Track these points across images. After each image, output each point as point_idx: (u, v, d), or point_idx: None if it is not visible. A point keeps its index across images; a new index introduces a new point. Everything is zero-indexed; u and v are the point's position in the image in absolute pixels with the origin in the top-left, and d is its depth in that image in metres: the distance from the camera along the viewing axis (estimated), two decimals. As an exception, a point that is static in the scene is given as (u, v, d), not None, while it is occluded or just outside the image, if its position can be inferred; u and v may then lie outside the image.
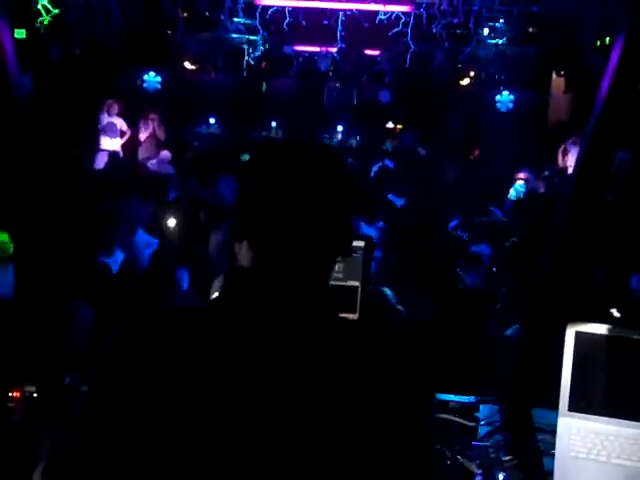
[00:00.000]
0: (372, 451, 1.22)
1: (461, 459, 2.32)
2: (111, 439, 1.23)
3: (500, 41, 11.65)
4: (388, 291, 3.50)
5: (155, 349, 1.26)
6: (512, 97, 12.37)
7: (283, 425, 1.20)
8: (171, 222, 6.43)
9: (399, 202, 7.95)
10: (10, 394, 2.51)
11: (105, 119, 10.78)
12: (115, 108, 10.84)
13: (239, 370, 1.23)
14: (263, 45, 12.23)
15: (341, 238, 1.36)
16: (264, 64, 13.02)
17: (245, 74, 12.66)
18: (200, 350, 1.24)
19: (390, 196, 8.02)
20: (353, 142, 12.49)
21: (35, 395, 2.53)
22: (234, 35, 12.08)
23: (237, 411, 1.20)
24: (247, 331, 1.26)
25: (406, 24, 11.17)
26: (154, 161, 10.28)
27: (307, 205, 1.29)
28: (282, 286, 1.30)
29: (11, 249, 4.41)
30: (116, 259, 5.53)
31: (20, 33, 8.83)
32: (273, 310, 1.28)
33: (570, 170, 9.39)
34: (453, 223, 7.05)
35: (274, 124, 12.77)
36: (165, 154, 10.33)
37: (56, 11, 9.31)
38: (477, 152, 11.94)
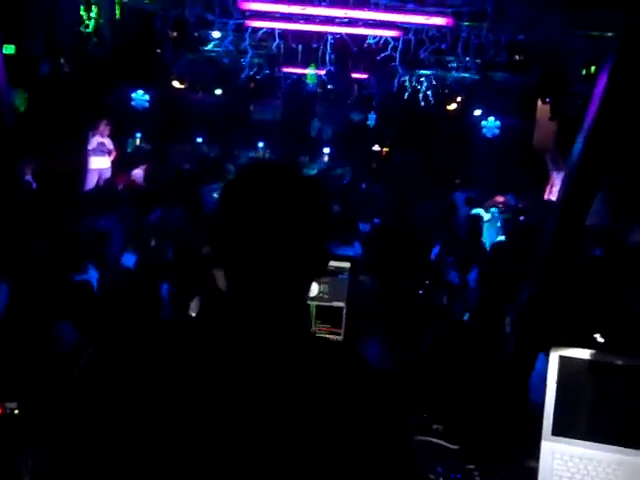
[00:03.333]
0: (349, 469, 1.21)
1: (444, 482, 2.31)
2: (84, 456, 1.22)
3: (487, 68, 11.76)
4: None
5: (130, 366, 1.25)
6: (498, 123, 12.49)
7: (257, 448, 1.19)
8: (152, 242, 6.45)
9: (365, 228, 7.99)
10: (-10, 411, 2.48)
11: (96, 140, 10.79)
12: (107, 130, 10.88)
13: (213, 389, 1.22)
14: (251, 66, 12.28)
15: (315, 260, 1.35)
16: (252, 85, 13.09)
17: (233, 94, 12.71)
18: (177, 367, 1.24)
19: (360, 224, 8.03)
20: (339, 168, 12.54)
21: (16, 412, 2.50)
22: (223, 57, 12.14)
23: (213, 427, 1.20)
24: (223, 348, 1.25)
25: (394, 49, 11.27)
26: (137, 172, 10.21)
27: (280, 229, 1.29)
28: (257, 308, 1.30)
29: None
30: (90, 277, 5.50)
31: (9, 49, 8.82)
32: (248, 332, 1.27)
33: (554, 196, 9.47)
34: (435, 250, 7.06)
35: (261, 144, 12.81)
36: (137, 173, 10.25)
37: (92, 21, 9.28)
38: (459, 181, 11.97)
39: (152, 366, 1.24)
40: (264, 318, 1.29)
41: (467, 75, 12.01)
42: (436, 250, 7.01)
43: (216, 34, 11.42)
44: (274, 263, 1.29)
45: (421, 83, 12.50)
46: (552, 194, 10.03)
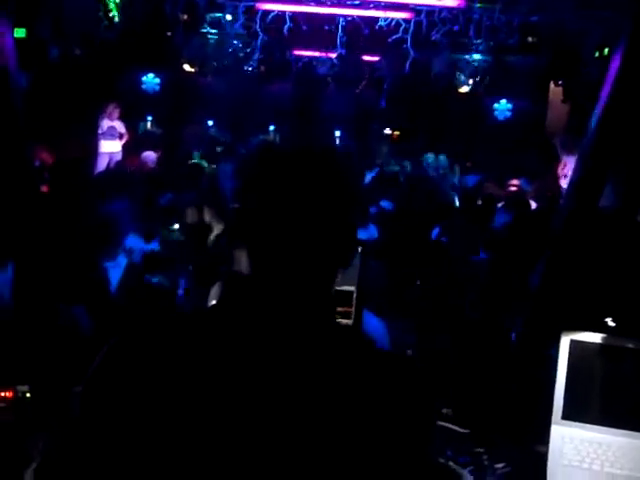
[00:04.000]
0: (367, 464, 1.20)
1: (453, 466, 2.31)
2: (103, 447, 1.21)
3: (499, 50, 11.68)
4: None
5: (151, 358, 1.23)
6: (510, 105, 12.41)
7: (280, 437, 1.18)
8: (175, 226, 6.45)
9: (389, 206, 7.98)
10: (2, 394, 2.50)
11: (106, 123, 10.79)
12: (116, 113, 10.86)
13: (237, 380, 1.20)
14: (262, 49, 12.24)
15: (342, 248, 1.31)
16: (263, 68, 13.04)
17: (244, 77, 12.68)
18: (197, 360, 1.22)
19: (383, 202, 8.03)
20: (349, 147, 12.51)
21: (28, 395, 2.52)
22: (234, 39, 12.10)
23: (233, 422, 1.18)
24: (245, 341, 1.23)
25: (406, 31, 11.20)
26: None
27: (308, 213, 1.26)
28: (281, 295, 1.27)
29: None
30: (119, 263, 5.51)
31: (20, 32, 8.82)
32: (271, 320, 1.25)
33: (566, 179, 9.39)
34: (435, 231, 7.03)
35: (272, 128, 12.78)
36: (148, 155, 10.21)
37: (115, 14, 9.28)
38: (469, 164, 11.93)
39: (173, 360, 1.22)
40: (286, 305, 1.26)
41: (480, 57, 11.93)
42: (436, 231, 6.96)
43: (228, 17, 11.38)
44: (299, 248, 1.26)
45: (433, 65, 12.43)
46: (565, 179, 9.93)
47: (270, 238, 1.27)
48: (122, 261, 5.53)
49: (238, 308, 1.27)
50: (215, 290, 3.78)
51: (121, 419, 1.20)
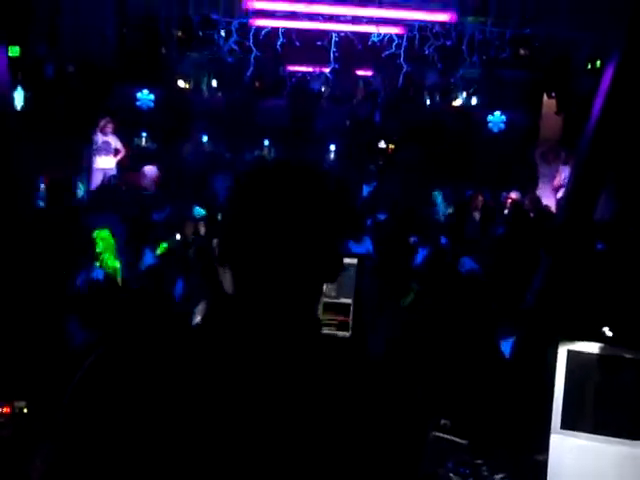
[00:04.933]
0: (358, 473, 1.19)
1: (454, 477, 2.31)
2: (87, 460, 1.20)
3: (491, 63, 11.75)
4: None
5: (135, 371, 1.23)
6: (504, 117, 12.47)
7: (265, 452, 1.17)
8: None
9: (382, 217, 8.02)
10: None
11: (100, 138, 10.78)
12: (109, 127, 10.85)
13: (220, 390, 1.20)
14: (256, 65, 12.29)
15: (327, 264, 1.30)
16: (257, 84, 13.09)
17: (238, 93, 12.73)
18: (182, 372, 1.21)
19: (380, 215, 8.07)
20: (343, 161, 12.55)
21: (25, 411, 2.51)
22: (228, 56, 12.15)
23: (218, 438, 1.18)
24: (229, 354, 1.23)
25: (399, 46, 11.27)
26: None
27: (290, 230, 1.25)
28: (264, 313, 1.26)
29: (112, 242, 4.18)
30: (97, 274, 5.51)
31: (14, 51, 8.85)
32: (255, 337, 1.24)
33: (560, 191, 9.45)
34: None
35: (267, 143, 12.81)
36: (149, 170, 10.19)
37: None
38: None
39: (157, 372, 1.22)
40: (270, 323, 1.26)
41: (472, 70, 11.99)
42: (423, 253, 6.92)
43: (222, 33, 11.44)
44: (283, 265, 1.25)
45: (426, 79, 12.50)
46: (555, 192, 10.01)
47: (254, 253, 1.26)
48: (99, 272, 5.54)
49: (222, 325, 1.26)
50: (199, 309, 3.79)
51: (105, 428, 1.19)
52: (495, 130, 12.45)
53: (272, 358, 1.23)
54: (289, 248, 1.25)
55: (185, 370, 1.22)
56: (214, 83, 13.12)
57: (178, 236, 6.67)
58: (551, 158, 10.92)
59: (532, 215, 8.58)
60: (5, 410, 2.48)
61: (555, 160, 10.68)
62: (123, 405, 1.20)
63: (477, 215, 8.94)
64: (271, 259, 1.25)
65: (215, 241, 1.34)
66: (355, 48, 11.49)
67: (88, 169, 10.72)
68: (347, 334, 2.51)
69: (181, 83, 12.89)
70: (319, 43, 11.74)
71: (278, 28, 11.30)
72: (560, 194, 9.42)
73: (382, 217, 8.02)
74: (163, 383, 1.21)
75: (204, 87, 13.14)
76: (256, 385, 1.20)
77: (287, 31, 11.35)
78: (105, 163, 10.81)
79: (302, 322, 1.28)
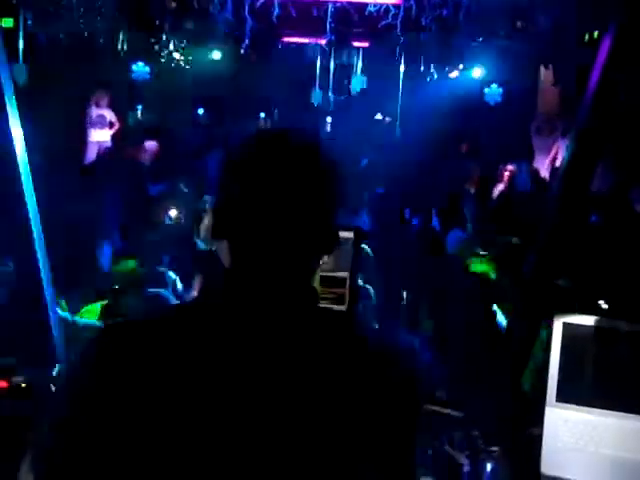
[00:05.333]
0: (356, 451, 1.20)
1: (449, 449, 2.33)
2: (87, 435, 1.19)
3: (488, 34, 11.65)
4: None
5: (134, 350, 1.23)
6: (500, 90, 12.39)
7: (269, 427, 1.18)
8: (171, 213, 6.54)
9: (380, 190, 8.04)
10: (-3, 385, 2.50)
11: (94, 112, 10.69)
12: (104, 100, 10.76)
13: (219, 372, 1.20)
14: (251, 36, 12.17)
15: (323, 237, 1.31)
16: (252, 55, 12.98)
17: (233, 65, 12.62)
18: (178, 349, 1.21)
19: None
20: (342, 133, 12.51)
21: (23, 386, 2.52)
22: (223, 27, 12.03)
23: (219, 415, 1.18)
24: (224, 329, 1.23)
25: (395, 16, 11.17)
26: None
27: (286, 203, 1.25)
28: (261, 285, 1.26)
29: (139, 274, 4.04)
30: (104, 253, 5.51)
31: (7, 22, 8.76)
32: (252, 309, 1.24)
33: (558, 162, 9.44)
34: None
35: (262, 115, 12.75)
36: (150, 145, 10.09)
37: None
38: (465, 147, 11.95)
39: (154, 351, 1.22)
40: (266, 296, 1.26)
41: (469, 41, 11.89)
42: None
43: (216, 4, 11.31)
44: (279, 238, 1.26)
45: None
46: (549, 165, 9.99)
47: (251, 226, 1.26)
48: (107, 250, 5.54)
49: (219, 296, 1.27)
50: (196, 282, 3.79)
51: (104, 409, 1.19)
52: (492, 103, 12.38)
53: (270, 329, 1.23)
54: (285, 220, 1.25)
55: (182, 345, 1.22)
56: (209, 54, 12.99)
57: (174, 212, 6.65)
58: (547, 131, 10.88)
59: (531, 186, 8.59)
60: (2, 385, 2.49)
61: (551, 134, 10.65)
62: (121, 384, 1.20)
63: (472, 189, 8.98)
64: (267, 231, 1.25)
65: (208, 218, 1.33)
66: (351, 19, 11.38)
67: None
68: (343, 308, 2.51)
69: (176, 55, 12.77)
70: (315, 14, 11.62)
71: (273, -2, 11.19)
72: (557, 164, 9.41)
73: (380, 191, 8.02)
74: (160, 358, 1.21)
75: (199, 58, 13.00)
76: (254, 357, 1.21)
77: (283, 1, 11.22)
78: (100, 136, 10.74)
79: (300, 294, 1.29)
